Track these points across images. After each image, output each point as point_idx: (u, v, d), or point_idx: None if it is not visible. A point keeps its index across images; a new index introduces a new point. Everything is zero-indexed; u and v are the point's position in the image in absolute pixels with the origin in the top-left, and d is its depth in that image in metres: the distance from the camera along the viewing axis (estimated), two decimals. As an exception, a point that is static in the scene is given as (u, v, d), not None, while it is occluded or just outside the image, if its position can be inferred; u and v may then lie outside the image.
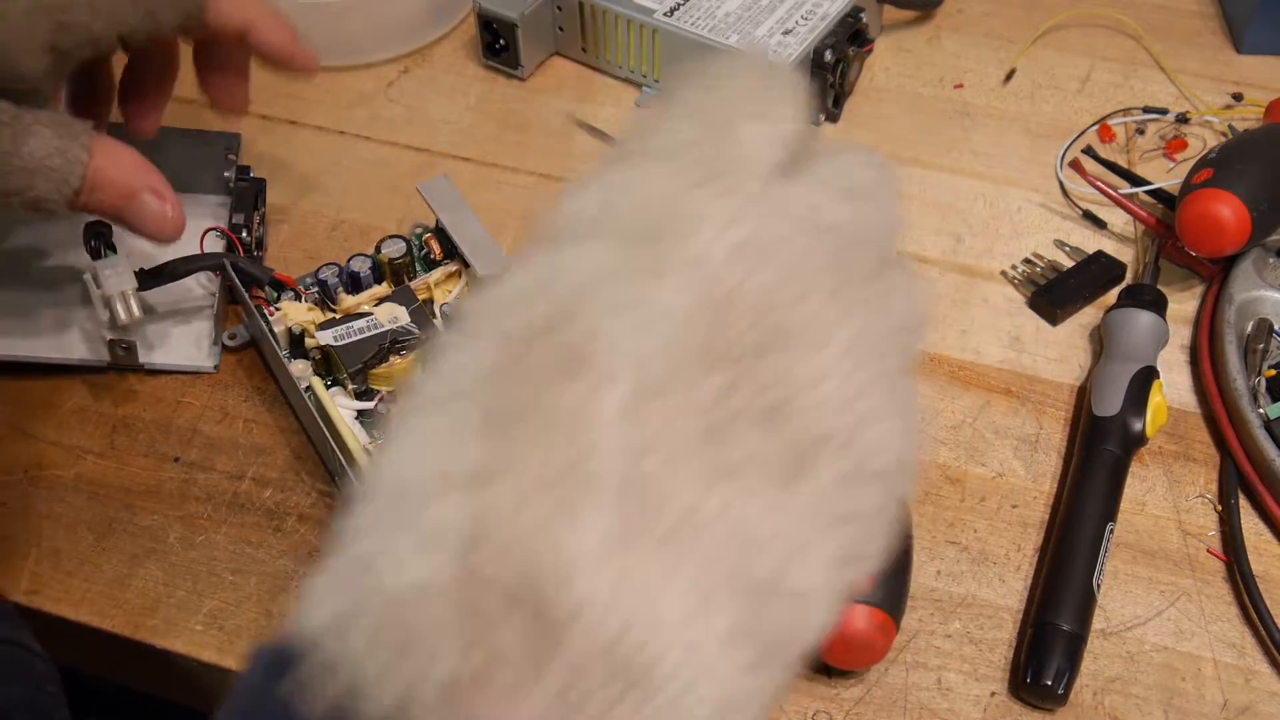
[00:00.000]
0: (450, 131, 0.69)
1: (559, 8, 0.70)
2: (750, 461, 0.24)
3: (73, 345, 0.55)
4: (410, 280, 0.57)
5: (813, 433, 0.25)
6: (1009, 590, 0.50)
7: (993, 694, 0.48)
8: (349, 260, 0.56)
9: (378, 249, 0.56)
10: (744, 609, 0.24)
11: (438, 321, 0.55)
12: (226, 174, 0.62)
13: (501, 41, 0.70)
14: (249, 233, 0.59)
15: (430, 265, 0.57)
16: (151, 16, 0.45)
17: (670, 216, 0.26)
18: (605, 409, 0.23)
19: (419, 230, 0.58)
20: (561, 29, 0.71)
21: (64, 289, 0.56)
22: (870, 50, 0.70)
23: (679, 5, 0.68)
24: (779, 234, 0.26)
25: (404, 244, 0.57)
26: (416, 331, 0.54)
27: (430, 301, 0.56)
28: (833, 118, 0.69)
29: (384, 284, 0.57)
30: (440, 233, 0.57)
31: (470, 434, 0.23)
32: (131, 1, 0.45)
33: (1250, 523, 0.52)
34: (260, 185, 0.62)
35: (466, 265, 0.56)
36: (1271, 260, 0.59)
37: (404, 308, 0.54)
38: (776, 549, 0.24)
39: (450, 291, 0.57)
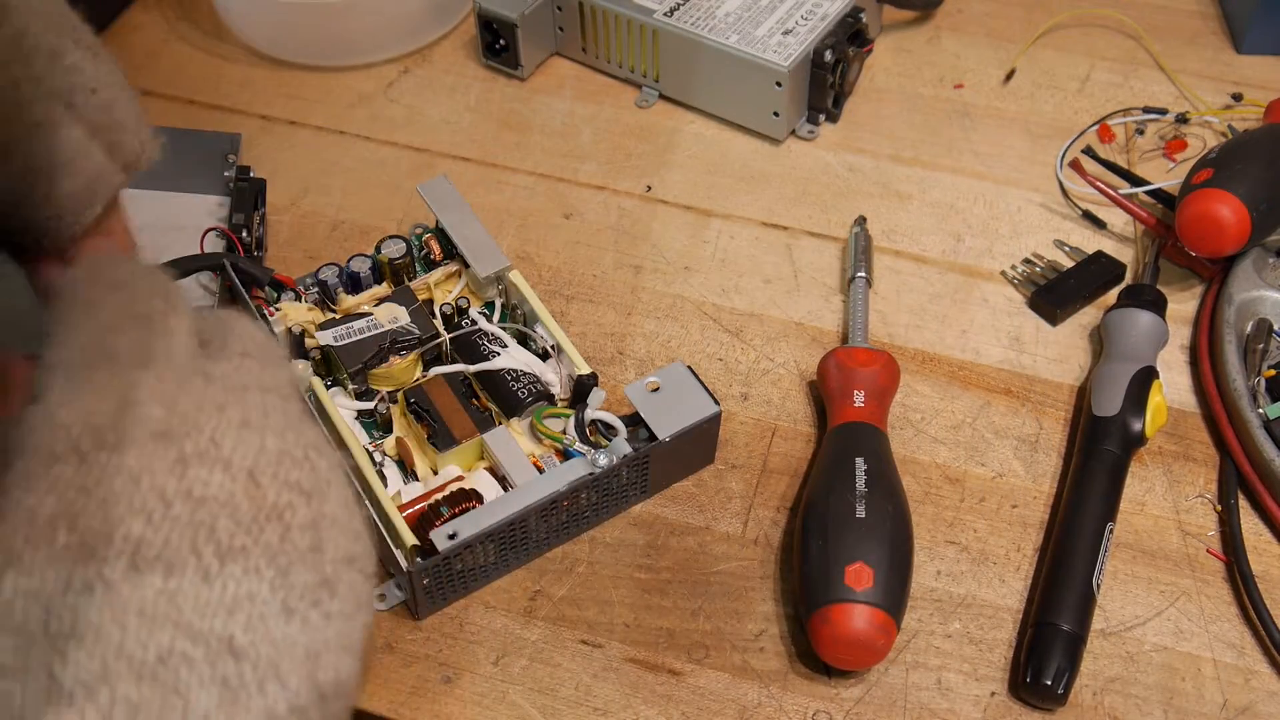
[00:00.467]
0: (450, 131, 0.69)
1: (559, 8, 0.70)
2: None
3: None
4: (410, 280, 0.57)
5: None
6: (1009, 590, 0.50)
7: (993, 694, 0.48)
8: (349, 260, 0.56)
9: (378, 249, 0.57)
10: None
11: (438, 321, 0.55)
12: (226, 174, 0.62)
13: (501, 41, 0.70)
14: (249, 233, 0.60)
15: (430, 265, 0.57)
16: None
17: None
18: None
19: (419, 230, 0.58)
20: (561, 29, 0.71)
21: None
22: (870, 50, 0.70)
23: (679, 5, 0.68)
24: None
25: (404, 244, 0.57)
26: (416, 331, 0.54)
27: (430, 302, 0.56)
28: (833, 118, 0.69)
29: (384, 284, 0.57)
30: (440, 233, 0.57)
31: None
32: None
33: (1250, 523, 0.52)
34: (260, 185, 0.62)
35: (466, 265, 0.56)
36: (1271, 260, 0.59)
37: (404, 308, 0.54)
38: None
39: (450, 291, 0.57)
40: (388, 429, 0.53)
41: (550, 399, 0.53)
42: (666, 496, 0.53)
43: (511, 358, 0.54)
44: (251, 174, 0.62)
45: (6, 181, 0.39)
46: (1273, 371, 0.55)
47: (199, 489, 0.29)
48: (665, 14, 0.68)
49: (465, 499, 0.48)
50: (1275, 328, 0.57)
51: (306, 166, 0.66)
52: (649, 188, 0.66)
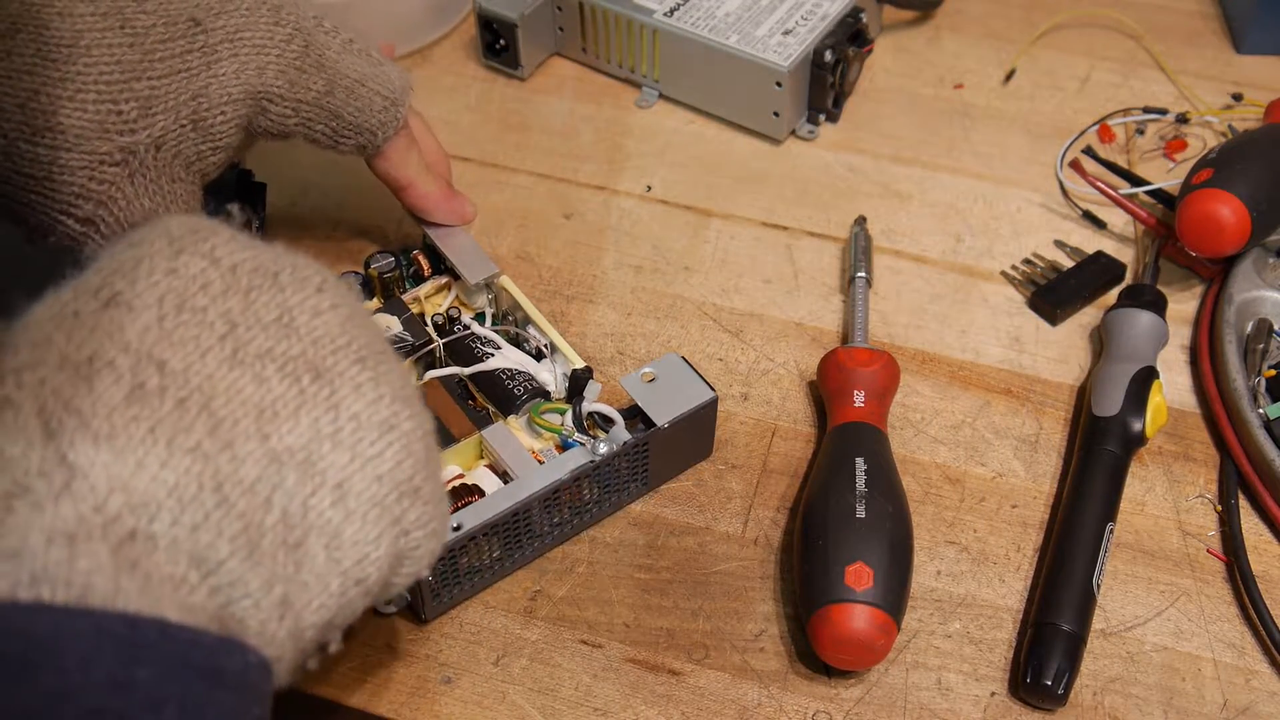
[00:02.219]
0: (450, 131, 0.69)
1: (559, 8, 0.70)
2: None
3: None
4: (401, 294, 0.57)
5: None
6: (1009, 590, 0.50)
7: (993, 694, 0.48)
8: (340, 276, 0.56)
9: (367, 264, 0.57)
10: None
11: (430, 329, 0.55)
12: (227, 177, 0.61)
13: (501, 41, 0.70)
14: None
15: (419, 280, 0.57)
16: (333, 137, 0.52)
17: None
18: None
19: (406, 247, 0.58)
20: (561, 29, 0.71)
21: None
22: (870, 50, 0.70)
23: (679, 5, 0.68)
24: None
25: (393, 259, 0.57)
26: (410, 338, 0.54)
27: (422, 314, 0.56)
28: (833, 118, 0.69)
29: (374, 299, 0.57)
30: (428, 248, 0.57)
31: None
32: (325, 119, 0.51)
33: (1250, 523, 0.52)
34: (261, 189, 0.61)
35: (456, 278, 0.56)
36: (1271, 260, 0.59)
37: (396, 317, 0.54)
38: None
39: (441, 304, 0.57)
40: None
41: (546, 396, 0.53)
42: (666, 496, 0.53)
43: (505, 358, 0.54)
44: (254, 178, 0.62)
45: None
46: (1273, 371, 0.55)
47: None
48: (665, 14, 0.68)
49: (467, 493, 0.48)
50: (1275, 328, 0.57)
51: (306, 167, 0.66)
52: (649, 188, 0.66)
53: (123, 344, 0.31)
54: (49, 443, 0.29)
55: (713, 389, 0.51)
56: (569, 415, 0.51)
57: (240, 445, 0.31)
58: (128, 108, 0.45)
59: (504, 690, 0.47)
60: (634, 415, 0.51)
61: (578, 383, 0.52)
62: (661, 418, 0.50)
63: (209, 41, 0.47)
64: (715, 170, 0.67)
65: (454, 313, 0.56)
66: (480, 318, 0.56)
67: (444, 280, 0.57)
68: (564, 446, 0.51)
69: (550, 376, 0.54)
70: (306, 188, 0.66)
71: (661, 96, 0.71)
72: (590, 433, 0.51)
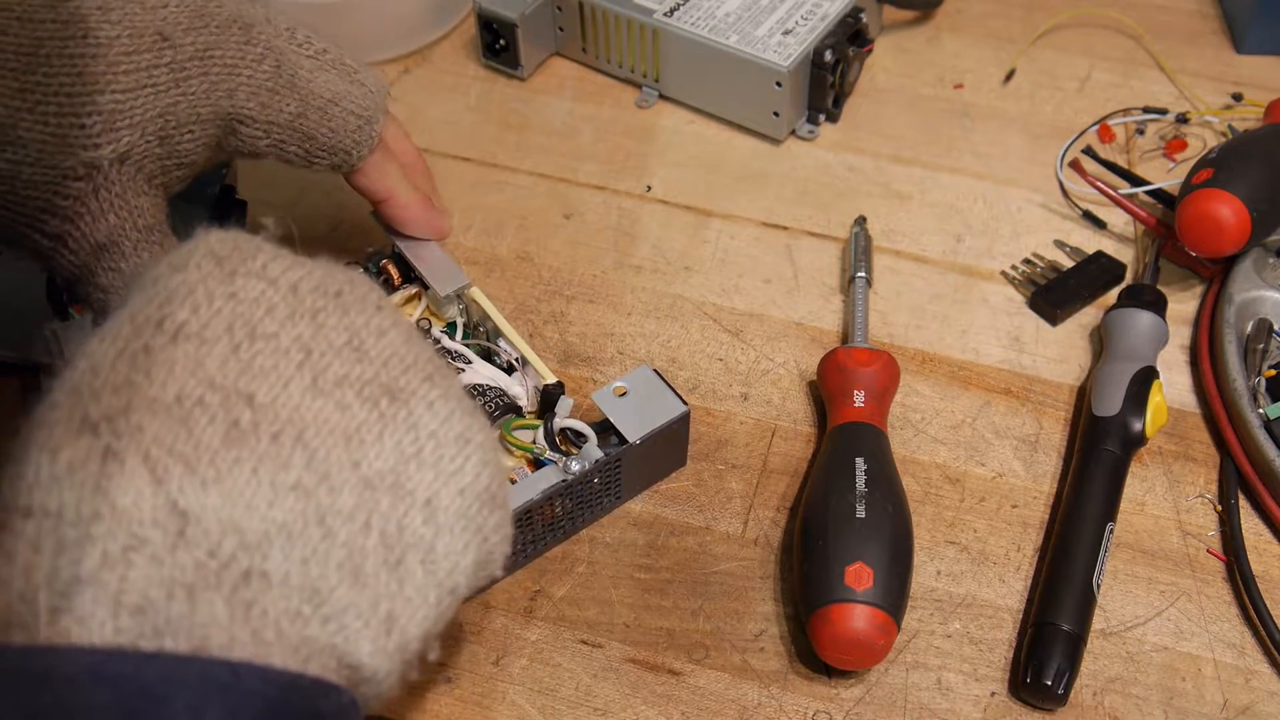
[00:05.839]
0: (450, 131, 0.69)
1: (559, 8, 0.70)
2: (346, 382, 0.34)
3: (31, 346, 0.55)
4: None
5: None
6: (1009, 590, 0.50)
7: (993, 694, 0.48)
8: None
9: None
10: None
11: None
12: (210, 190, 0.60)
13: (501, 41, 0.70)
14: None
15: (389, 290, 0.57)
16: (306, 157, 0.51)
17: None
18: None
19: (373, 253, 0.58)
20: (561, 29, 0.71)
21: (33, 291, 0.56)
22: (870, 50, 0.70)
23: (679, 5, 0.68)
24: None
25: (362, 270, 0.56)
26: None
27: None
28: (833, 118, 0.69)
29: None
30: (397, 258, 0.57)
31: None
32: (298, 141, 0.50)
33: (1250, 523, 0.52)
34: (241, 206, 0.60)
35: (426, 287, 0.56)
36: (1271, 260, 0.59)
37: None
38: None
39: (411, 314, 0.57)
40: None
41: (518, 411, 0.53)
42: (666, 496, 0.53)
43: (476, 373, 0.53)
44: (236, 195, 0.61)
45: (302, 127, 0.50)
46: (1273, 371, 0.55)
47: None
48: (665, 14, 0.68)
49: None
50: (1275, 328, 0.57)
51: (306, 166, 0.66)
52: (649, 188, 0.66)
53: (207, 380, 0.32)
54: (159, 490, 0.30)
55: (685, 402, 0.51)
56: (541, 431, 0.51)
57: (336, 475, 0.32)
58: (90, 121, 0.43)
59: (504, 690, 0.47)
60: (606, 429, 0.51)
61: (549, 399, 0.52)
62: (634, 433, 0.50)
63: (177, 58, 0.45)
64: (715, 170, 0.67)
65: (425, 324, 0.55)
66: (451, 328, 0.56)
67: (414, 290, 0.57)
68: (536, 464, 0.51)
69: (522, 390, 0.53)
70: (306, 187, 0.66)
71: (661, 96, 0.71)
72: (563, 448, 0.51)
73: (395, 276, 0.57)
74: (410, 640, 0.34)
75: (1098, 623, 0.49)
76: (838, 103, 0.69)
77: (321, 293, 0.35)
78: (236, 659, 0.29)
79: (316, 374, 0.33)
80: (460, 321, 0.56)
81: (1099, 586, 0.49)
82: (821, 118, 0.69)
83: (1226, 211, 0.55)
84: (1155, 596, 0.50)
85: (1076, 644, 0.47)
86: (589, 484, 0.50)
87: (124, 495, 0.29)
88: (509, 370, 0.54)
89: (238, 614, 0.29)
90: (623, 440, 0.50)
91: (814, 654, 0.47)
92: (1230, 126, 0.68)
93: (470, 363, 0.53)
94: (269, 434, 0.32)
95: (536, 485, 0.48)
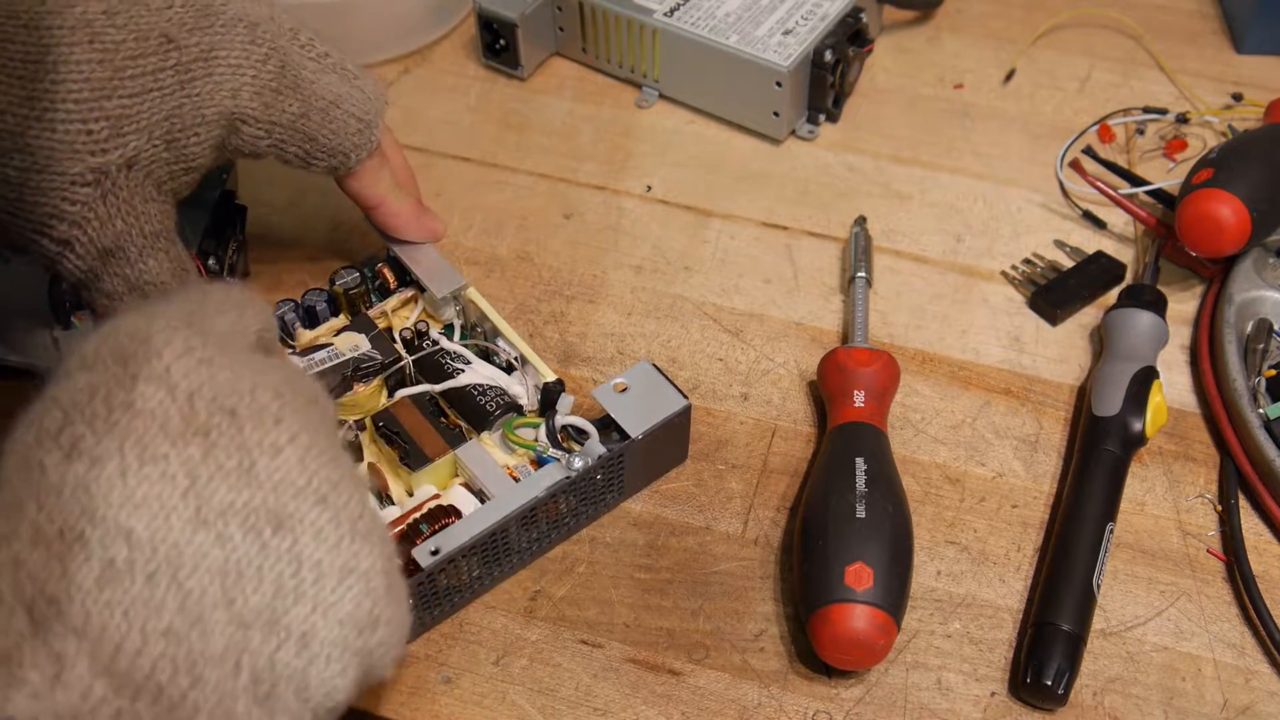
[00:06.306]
0: (450, 131, 0.69)
1: (559, 8, 0.70)
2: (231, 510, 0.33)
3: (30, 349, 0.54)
4: (367, 309, 0.56)
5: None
6: (1009, 590, 0.50)
7: (993, 694, 0.48)
8: (304, 295, 0.55)
9: (331, 282, 0.56)
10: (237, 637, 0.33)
11: (399, 346, 0.54)
12: (210, 195, 0.60)
13: (501, 41, 0.70)
14: (218, 260, 0.57)
15: (385, 293, 0.57)
16: (305, 158, 0.52)
17: None
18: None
19: (369, 257, 0.58)
20: (561, 29, 0.71)
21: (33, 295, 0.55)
22: (870, 50, 0.70)
23: (679, 5, 0.68)
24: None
25: (358, 274, 0.56)
26: (378, 356, 0.53)
27: (390, 329, 0.56)
28: (833, 118, 0.69)
29: (341, 316, 0.56)
30: (392, 261, 0.57)
31: None
32: (298, 141, 0.50)
33: (1250, 523, 0.52)
34: (241, 211, 0.60)
35: (422, 290, 0.56)
36: (1271, 260, 0.59)
37: (364, 335, 0.54)
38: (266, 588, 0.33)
39: (408, 317, 0.57)
40: (359, 456, 0.52)
41: (519, 410, 0.53)
42: (666, 496, 0.53)
43: (476, 373, 0.53)
44: (236, 200, 0.61)
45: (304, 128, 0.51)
46: (1273, 371, 0.55)
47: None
48: (665, 14, 0.68)
49: (444, 515, 0.48)
50: (1275, 328, 0.57)
51: (306, 166, 0.66)
52: (649, 188, 0.66)
53: (89, 512, 0.32)
54: (36, 634, 0.30)
55: (685, 396, 0.51)
56: (543, 429, 0.51)
57: (208, 616, 0.32)
58: (98, 127, 0.43)
59: (504, 690, 0.47)
60: (608, 426, 0.51)
61: (549, 397, 0.52)
62: (635, 429, 0.50)
63: (183, 60, 0.45)
64: (715, 170, 0.67)
65: (422, 326, 0.55)
66: (449, 330, 0.56)
67: (410, 293, 0.57)
68: (539, 462, 0.51)
69: (522, 389, 0.53)
70: (306, 188, 0.66)
71: (661, 96, 0.71)
72: (564, 445, 0.51)
73: (391, 280, 0.57)
74: None
75: (1098, 623, 0.49)
76: (838, 103, 0.69)
77: (218, 407, 0.34)
78: None
79: (201, 503, 0.33)
80: (458, 323, 0.56)
81: (1099, 586, 0.49)
82: (821, 118, 0.69)
83: (1226, 211, 0.55)
84: (1155, 596, 0.50)
85: (1076, 644, 0.47)
86: (592, 480, 0.50)
87: (4, 635, 0.30)
88: (508, 369, 0.54)
89: None
90: (624, 436, 0.50)
91: (814, 654, 0.47)
92: (1230, 126, 0.68)
93: (470, 363, 0.53)
94: (144, 574, 0.31)
95: (540, 483, 0.48)
